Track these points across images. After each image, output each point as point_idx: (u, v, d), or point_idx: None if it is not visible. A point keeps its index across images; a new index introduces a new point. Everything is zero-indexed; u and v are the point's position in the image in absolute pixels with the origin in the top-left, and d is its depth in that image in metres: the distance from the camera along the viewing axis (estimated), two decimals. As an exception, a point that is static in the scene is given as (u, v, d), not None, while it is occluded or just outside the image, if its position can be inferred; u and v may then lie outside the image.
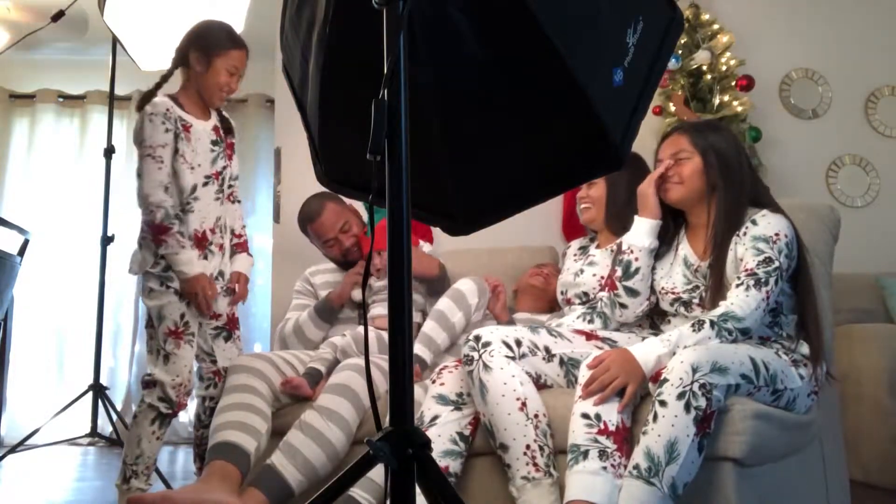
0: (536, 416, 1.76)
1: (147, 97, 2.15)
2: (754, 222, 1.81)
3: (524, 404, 1.75)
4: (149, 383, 2.11)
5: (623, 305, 1.98)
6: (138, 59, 2.88)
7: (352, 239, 2.53)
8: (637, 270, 1.95)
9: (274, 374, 2.20)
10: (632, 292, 1.96)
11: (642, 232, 1.97)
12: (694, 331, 1.70)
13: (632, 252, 1.97)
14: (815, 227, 2.04)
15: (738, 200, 1.86)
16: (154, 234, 2.08)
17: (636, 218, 2.00)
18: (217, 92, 2.20)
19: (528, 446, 1.72)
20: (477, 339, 1.83)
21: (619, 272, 1.98)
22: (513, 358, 1.82)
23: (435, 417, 1.86)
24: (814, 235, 2.00)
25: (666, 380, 1.58)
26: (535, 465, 1.71)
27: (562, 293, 2.31)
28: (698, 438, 1.52)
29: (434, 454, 1.77)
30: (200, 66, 2.17)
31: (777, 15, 3.69)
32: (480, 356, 1.80)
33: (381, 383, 2.04)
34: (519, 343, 1.84)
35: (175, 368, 2.10)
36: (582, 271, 2.25)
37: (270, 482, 1.91)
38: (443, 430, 1.84)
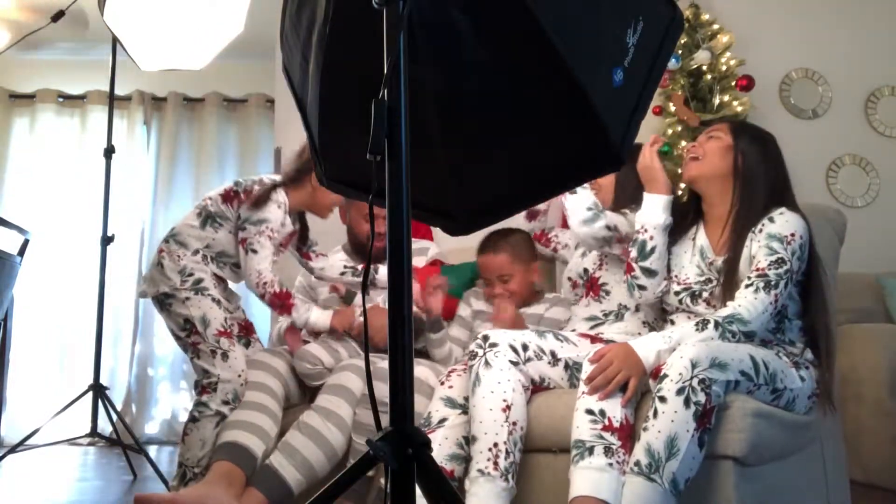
0: (515, 423, 1.75)
1: (272, 189, 2.23)
2: (771, 219, 1.78)
3: (508, 408, 1.75)
4: (206, 387, 2.10)
5: (642, 287, 1.93)
6: (138, 59, 2.87)
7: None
8: (653, 250, 1.90)
9: (289, 374, 2.21)
10: (649, 272, 1.92)
11: (655, 208, 1.91)
12: (697, 330, 1.70)
13: (645, 231, 1.91)
14: (824, 229, 2.03)
15: (761, 199, 1.83)
16: (282, 301, 2.19)
17: (645, 195, 1.94)
18: (328, 209, 2.36)
19: (495, 444, 1.71)
20: (485, 338, 1.85)
21: (633, 253, 1.94)
22: (516, 363, 1.82)
23: (442, 420, 1.86)
24: (822, 238, 1.97)
25: (665, 375, 1.58)
26: (496, 464, 1.70)
27: (569, 279, 2.30)
28: (698, 434, 1.52)
29: (440, 457, 1.78)
30: (318, 185, 2.25)
31: (777, 15, 3.69)
32: (485, 353, 1.81)
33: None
34: (525, 347, 1.85)
35: (236, 364, 2.12)
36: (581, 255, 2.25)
37: (269, 482, 1.91)
38: (450, 434, 1.84)
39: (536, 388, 1.88)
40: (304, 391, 2.26)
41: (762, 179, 1.85)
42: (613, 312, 2.11)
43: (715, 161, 1.90)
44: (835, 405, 1.86)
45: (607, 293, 2.14)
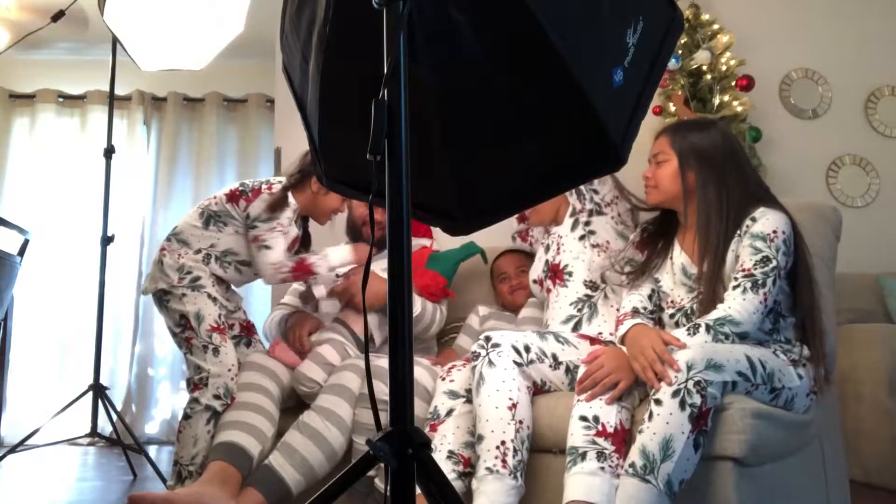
0: (521, 422, 1.76)
1: (284, 195, 2.27)
2: (753, 219, 1.78)
3: (514, 406, 1.76)
4: (198, 384, 2.11)
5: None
6: (138, 59, 2.87)
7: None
8: None
9: (285, 374, 2.21)
10: None
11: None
12: (689, 335, 1.69)
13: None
14: (820, 227, 2.02)
15: (725, 199, 1.81)
16: (302, 269, 2.26)
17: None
18: (327, 215, 2.39)
19: (503, 442, 1.72)
20: (487, 339, 1.85)
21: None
22: (520, 364, 1.82)
23: (450, 411, 1.87)
24: (818, 236, 1.97)
25: (661, 378, 1.58)
26: (504, 462, 1.70)
27: (534, 282, 2.30)
28: (693, 436, 1.51)
29: (456, 445, 1.81)
30: (319, 190, 2.32)
31: (777, 15, 3.69)
32: (488, 353, 1.82)
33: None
34: (528, 349, 1.85)
35: (227, 359, 2.13)
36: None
37: (268, 482, 1.91)
38: (461, 423, 1.85)
39: (537, 390, 1.89)
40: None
41: (720, 186, 1.83)
42: (585, 303, 2.09)
43: (668, 188, 1.90)
44: (829, 378, 1.83)
45: (570, 274, 2.14)
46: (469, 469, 1.80)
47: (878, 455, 2.61)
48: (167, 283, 2.19)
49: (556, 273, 2.17)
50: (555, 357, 1.89)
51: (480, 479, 1.71)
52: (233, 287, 2.38)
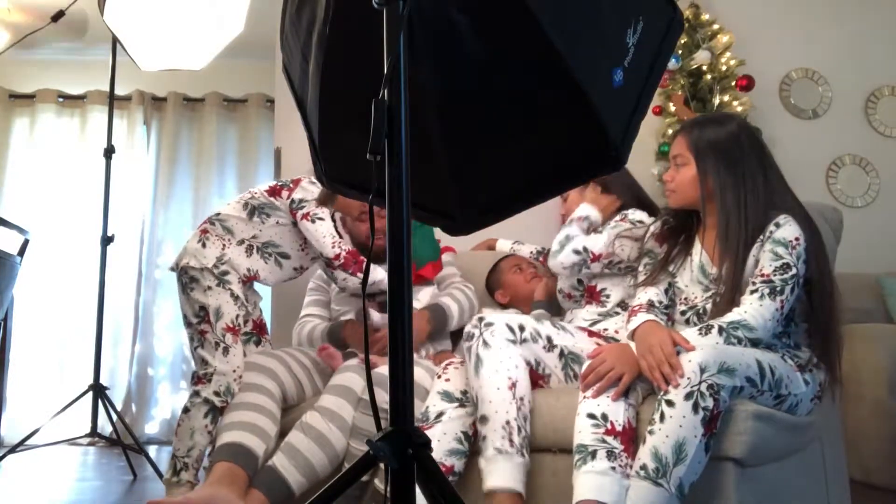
0: (522, 399, 1.78)
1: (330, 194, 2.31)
2: (777, 225, 1.75)
3: (514, 385, 1.77)
4: (202, 378, 2.12)
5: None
6: (138, 59, 2.87)
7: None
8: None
9: (286, 375, 2.20)
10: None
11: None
12: (701, 335, 1.68)
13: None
14: (821, 228, 2.02)
15: (744, 204, 1.78)
16: (355, 258, 2.28)
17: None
18: (357, 207, 2.37)
19: (507, 422, 1.73)
20: (480, 319, 1.86)
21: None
22: (514, 342, 1.83)
23: (440, 414, 1.87)
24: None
25: (667, 381, 1.58)
26: (511, 440, 1.72)
27: (560, 291, 2.31)
28: (705, 439, 1.51)
29: (439, 453, 1.79)
30: None
31: (777, 15, 3.69)
32: (482, 333, 1.83)
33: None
34: (522, 328, 1.86)
35: (235, 360, 2.14)
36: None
37: (271, 483, 1.91)
38: (448, 428, 1.84)
39: (533, 373, 1.88)
40: (301, 391, 2.26)
41: (739, 190, 1.80)
42: (613, 317, 2.12)
43: (688, 192, 1.89)
44: (838, 381, 1.82)
45: (608, 297, 2.16)
46: (452, 477, 1.81)
47: (879, 455, 2.61)
48: (202, 264, 2.20)
49: (592, 294, 2.20)
50: (549, 339, 1.89)
51: (489, 459, 1.72)
52: (254, 286, 2.39)
